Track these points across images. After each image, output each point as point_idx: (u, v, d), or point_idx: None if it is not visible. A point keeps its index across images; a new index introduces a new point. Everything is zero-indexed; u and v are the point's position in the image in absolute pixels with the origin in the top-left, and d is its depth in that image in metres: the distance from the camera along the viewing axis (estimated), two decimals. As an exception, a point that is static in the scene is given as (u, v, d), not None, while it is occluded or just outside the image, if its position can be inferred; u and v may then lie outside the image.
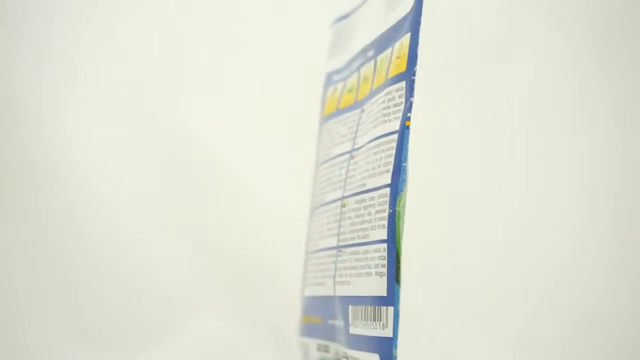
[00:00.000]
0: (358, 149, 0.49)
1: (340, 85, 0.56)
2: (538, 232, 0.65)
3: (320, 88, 0.59)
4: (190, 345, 0.65)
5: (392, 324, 0.43)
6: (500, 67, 0.70)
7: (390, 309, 0.43)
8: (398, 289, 0.43)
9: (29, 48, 0.70)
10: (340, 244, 0.49)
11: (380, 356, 0.43)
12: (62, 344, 0.65)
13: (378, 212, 0.45)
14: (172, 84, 0.72)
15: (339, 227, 0.50)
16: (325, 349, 0.52)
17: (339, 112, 0.54)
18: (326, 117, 0.56)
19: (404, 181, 0.44)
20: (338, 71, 0.57)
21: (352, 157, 0.50)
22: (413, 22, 0.45)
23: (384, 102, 0.47)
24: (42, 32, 0.70)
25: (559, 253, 0.64)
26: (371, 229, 0.45)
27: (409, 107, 0.44)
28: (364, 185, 0.47)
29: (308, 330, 0.54)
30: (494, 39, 0.70)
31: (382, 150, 0.46)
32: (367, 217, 0.46)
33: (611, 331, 0.58)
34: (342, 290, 0.48)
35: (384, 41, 0.49)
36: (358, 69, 0.53)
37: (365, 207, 0.47)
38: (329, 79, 0.58)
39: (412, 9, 0.46)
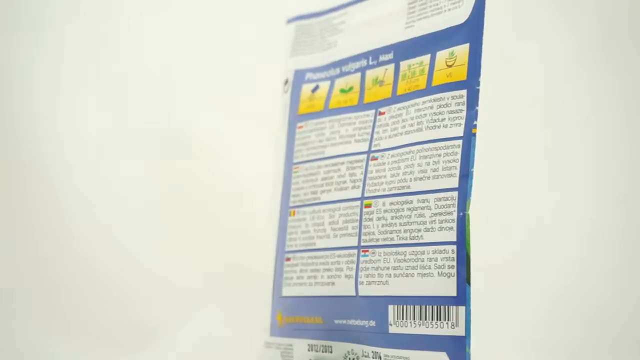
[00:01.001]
0: (382, 150, 0.50)
1: (323, 85, 0.56)
2: (547, 230, 0.66)
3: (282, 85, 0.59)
4: (189, 345, 0.64)
5: (464, 323, 0.45)
6: (509, 64, 0.71)
7: (462, 308, 0.45)
8: (469, 289, 0.45)
9: (23, 46, 0.69)
10: (365, 244, 0.50)
11: (448, 354, 0.45)
12: (61, 344, 0.64)
13: (437, 214, 0.46)
14: (164, 82, 0.72)
15: (360, 227, 0.50)
16: (326, 349, 0.51)
17: (330, 112, 0.54)
18: (304, 116, 0.56)
19: (471, 186, 0.46)
20: (314, 70, 0.57)
21: (371, 159, 0.51)
22: (473, 33, 0.47)
23: (431, 107, 0.48)
24: (37, 31, 0.70)
25: (568, 253, 0.66)
26: (425, 231, 0.47)
27: (474, 115, 0.46)
28: (408, 187, 0.48)
29: (291, 330, 0.54)
30: (502, 36, 0.71)
31: (437, 155, 0.47)
32: (416, 219, 0.47)
33: (620, 331, 0.62)
34: (374, 290, 0.48)
35: (413, 48, 0.50)
36: (360, 71, 0.53)
37: (411, 209, 0.47)
38: (300, 77, 0.57)
39: (468, 20, 0.48)
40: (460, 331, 0.45)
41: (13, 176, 0.68)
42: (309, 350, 0.53)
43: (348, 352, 0.50)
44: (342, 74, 0.55)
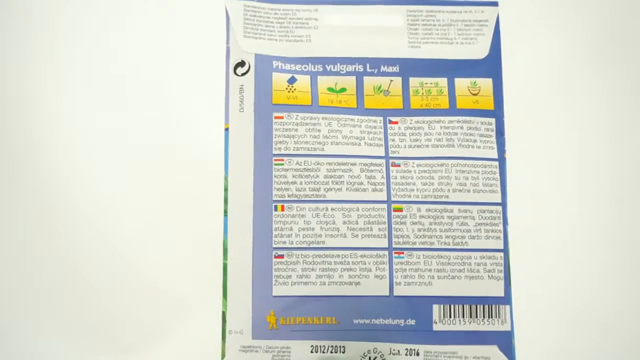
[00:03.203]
0: (404, 158, 0.53)
1: (302, 78, 0.54)
2: (537, 231, 0.66)
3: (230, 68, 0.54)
4: (190, 345, 0.64)
5: (509, 319, 0.52)
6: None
7: (507, 307, 0.52)
8: (510, 290, 0.52)
9: (26, 46, 0.70)
10: (399, 246, 0.52)
11: (499, 347, 0.51)
12: (61, 344, 0.64)
13: (482, 224, 0.52)
14: (162, 80, 0.69)
15: (390, 229, 0.52)
16: (336, 350, 0.51)
17: (322, 109, 0.53)
18: (283, 106, 0.53)
19: (507, 202, 0.53)
20: (283, 59, 0.54)
21: (392, 164, 0.53)
22: (493, 70, 0.55)
23: (461, 127, 0.54)
24: (39, 31, 0.70)
25: (561, 252, 0.67)
26: (470, 238, 0.52)
27: (503, 142, 0.54)
28: (447, 197, 0.52)
29: (288, 332, 0.51)
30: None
31: (476, 171, 0.53)
32: (458, 227, 0.52)
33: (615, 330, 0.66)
34: (414, 291, 0.51)
35: (424, 68, 0.55)
36: (355, 75, 0.54)
37: (452, 217, 0.52)
38: (265, 63, 0.54)
39: (487, 57, 0.55)
40: (507, 327, 0.52)
41: (12, 177, 0.67)
42: (312, 352, 0.51)
43: (368, 350, 0.51)
44: (327, 73, 0.54)
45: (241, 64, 0.54)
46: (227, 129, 0.53)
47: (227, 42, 0.54)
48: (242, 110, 0.53)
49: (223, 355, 0.51)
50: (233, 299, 0.51)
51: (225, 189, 0.53)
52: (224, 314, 0.51)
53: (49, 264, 0.65)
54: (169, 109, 0.65)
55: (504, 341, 0.52)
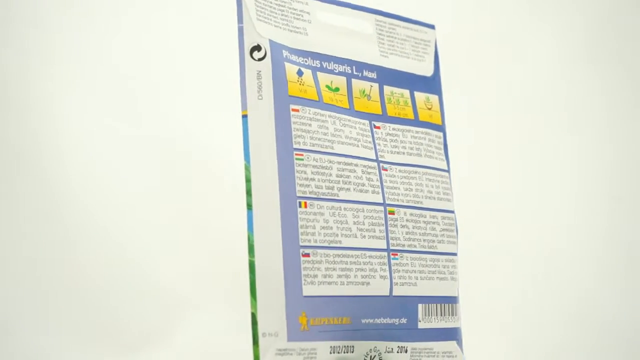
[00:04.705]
0: (389, 163, 0.55)
1: (306, 72, 0.52)
2: (534, 230, 0.65)
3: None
4: (190, 345, 0.64)
5: (460, 317, 0.57)
6: (495, 67, 0.66)
7: (459, 305, 0.57)
8: (459, 291, 0.58)
9: (30, 47, 0.70)
10: (394, 247, 0.53)
11: (457, 342, 0.56)
12: (62, 344, 0.64)
13: (444, 230, 0.57)
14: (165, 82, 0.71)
15: (387, 231, 0.53)
16: (347, 349, 0.51)
17: (327, 106, 0.53)
18: (297, 99, 0.51)
19: (452, 211, 0.59)
20: (290, 50, 0.52)
21: (382, 169, 0.54)
22: (438, 88, 0.60)
23: (424, 139, 0.57)
24: (43, 32, 0.71)
25: (557, 251, 0.67)
26: (439, 242, 0.56)
27: (448, 155, 0.59)
28: (421, 203, 0.56)
29: (316, 333, 0.49)
30: (488, 40, 0.65)
31: (437, 180, 0.57)
32: (430, 231, 0.56)
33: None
34: (406, 291, 0.53)
35: (393, 78, 0.57)
36: (345, 75, 0.54)
37: (426, 223, 0.56)
38: (278, 50, 0.51)
39: (433, 75, 0.59)
40: (459, 324, 0.57)
41: (13, 178, 0.68)
42: (330, 353, 0.50)
43: (371, 349, 0.52)
44: (324, 70, 0.53)
45: (257, 47, 0.51)
46: (245, 116, 0.49)
47: (240, 22, 0.50)
48: (260, 97, 0.50)
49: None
50: (264, 300, 0.48)
51: (248, 180, 0.49)
52: (253, 315, 0.47)
53: (63, 265, 0.64)
54: (180, 96, 0.59)
55: (459, 337, 0.57)
